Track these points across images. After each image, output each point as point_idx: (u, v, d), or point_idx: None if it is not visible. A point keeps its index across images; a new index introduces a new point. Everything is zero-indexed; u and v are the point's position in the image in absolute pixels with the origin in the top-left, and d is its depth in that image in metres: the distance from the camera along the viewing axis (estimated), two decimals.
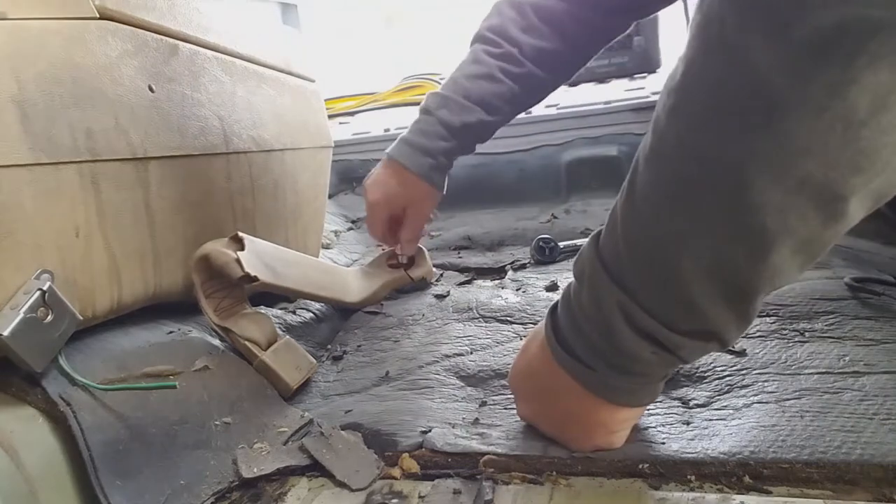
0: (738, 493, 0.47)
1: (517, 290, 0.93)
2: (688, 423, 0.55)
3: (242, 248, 0.71)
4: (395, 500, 0.52)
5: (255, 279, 0.69)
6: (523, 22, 0.84)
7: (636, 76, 1.71)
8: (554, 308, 0.52)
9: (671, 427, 0.55)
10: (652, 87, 1.53)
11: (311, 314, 0.91)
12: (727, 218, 0.37)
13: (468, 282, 1.03)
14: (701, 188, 0.38)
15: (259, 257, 0.72)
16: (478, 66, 0.85)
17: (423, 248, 1.01)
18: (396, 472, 0.55)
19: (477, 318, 0.85)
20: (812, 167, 0.34)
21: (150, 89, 0.67)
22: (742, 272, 0.39)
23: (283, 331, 0.82)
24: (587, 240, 0.48)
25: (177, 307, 0.74)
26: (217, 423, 0.61)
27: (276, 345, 0.73)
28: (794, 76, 0.33)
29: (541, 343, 0.52)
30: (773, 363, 0.63)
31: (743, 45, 0.34)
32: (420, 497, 0.51)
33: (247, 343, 0.70)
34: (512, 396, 0.60)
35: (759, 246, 0.37)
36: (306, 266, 0.84)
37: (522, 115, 1.45)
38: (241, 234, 0.72)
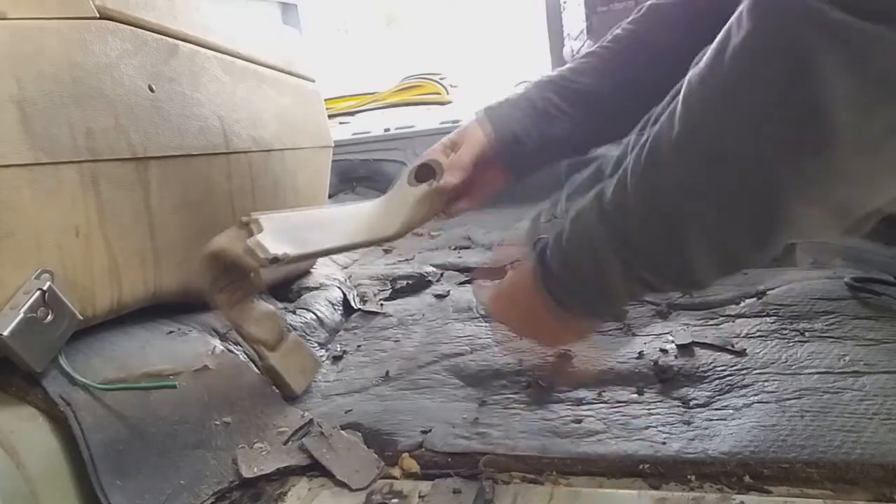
0: (738, 493, 0.47)
1: None
2: (688, 423, 0.55)
3: (252, 234, 0.64)
4: (395, 500, 0.52)
5: (284, 257, 0.62)
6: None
7: None
8: (543, 250, 0.53)
9: (671, 427, 0.55)
10: None
11: (312, 314, 0.91)
12: (752, 220, 0.40)
13: (468, 282, 1.03)
14: (735, 189, 0.39)
15: (281, 232, 0.66)
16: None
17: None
18: (396, 471, 0.55)
19: (477, 318, 0.85)
20: (853, 194, 0.36)
21: (150, 89, 0.66)
22: (743, 256, 0.43)
23: None
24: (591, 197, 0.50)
25: (177, 307, 0.74)
26: (217, 423, 0.61)
27: (283, 345, 0.72)
28: (859, 110, 0.33)
29: (525, 276, 0.55)
30: (773, 363, 0.63)
31: (816, 69, 0.33)
32: (420, 497, 0.51)
33: (255, 344, 0.69)
34: (512, 396, 0.60)
35: (769, 242, 0.41)
36: (332, 219, 0.75)
37: None
38: (252, 216, 0.66)
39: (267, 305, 0.75)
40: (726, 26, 0.38)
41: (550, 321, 0.54)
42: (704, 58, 0.40)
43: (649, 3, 0.76)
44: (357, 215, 0.77)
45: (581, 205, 0.50)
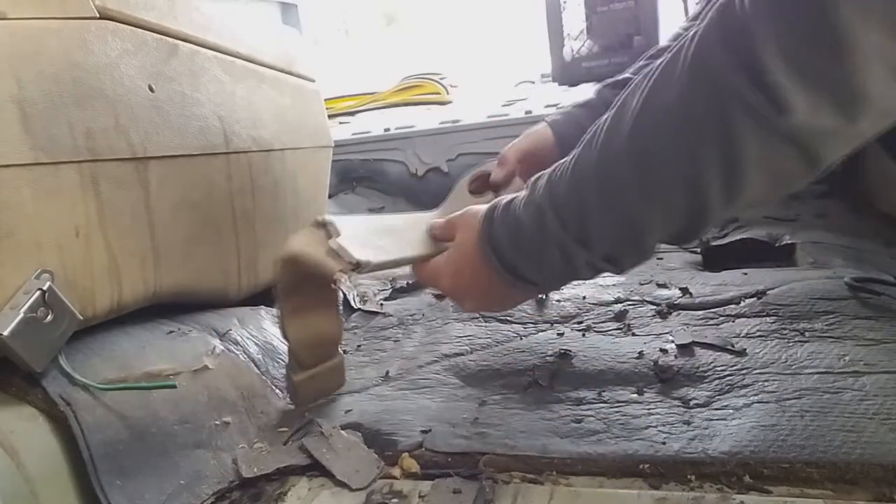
0: (738, 493, 0.47)
1: None
2: (688, 423, 0.55)
3: (329, 237, 0.61)
4: (395, 500, 0.52)
5: (366, 264, 0.59)
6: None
7: None
8: (489, 235, 0.55)
9: (671, 427, 0.55)
10: None
11: None
12: (693, 226, 0.47)
13: None
14: (683, 215, 0.46)
15: (356, 238, 0.62)
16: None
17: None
18: (396, 471, 0.55)
19: (477, 318, 0.85)
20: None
21: (150, 89, 0.66)
22: (685, 237, 0.49)
23: None
24: (533, 194, 0.52)
25: (177, 307, 0.74)
26: (217, 422, 0.61)
27: (320, 367, 0.68)
28: (767, 170, 0.42)
29: (474, 254, 0.56)
30: (773, 363, 0.63)
31: (734, 130, 0.40)
32: (420, 497, 0.51)
33: (293, 357, 0.68)
34: (512, 396, 0.60)
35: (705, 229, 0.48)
36: (397, 228, 0.71)
37: (521, 114, 1.46)
38: (326, 218, 0.62)
39: (333, 324, 0.70)
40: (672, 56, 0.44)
41: (498, 289, 0.56)
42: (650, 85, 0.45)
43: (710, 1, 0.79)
44: (416, 225, 0.73)
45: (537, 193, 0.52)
